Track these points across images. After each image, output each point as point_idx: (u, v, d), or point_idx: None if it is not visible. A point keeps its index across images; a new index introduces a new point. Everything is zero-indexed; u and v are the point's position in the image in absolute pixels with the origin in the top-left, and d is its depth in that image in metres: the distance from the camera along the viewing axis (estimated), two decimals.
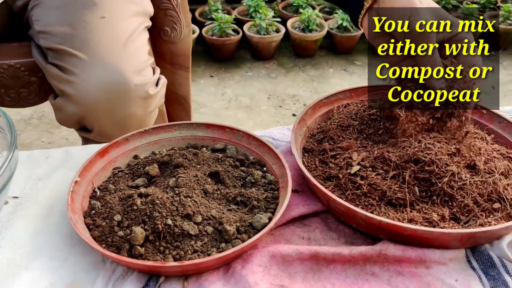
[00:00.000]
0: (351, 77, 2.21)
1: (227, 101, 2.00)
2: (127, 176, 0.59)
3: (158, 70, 0.90)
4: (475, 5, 2.40)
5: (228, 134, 0.64)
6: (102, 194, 0.55)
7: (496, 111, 0.66)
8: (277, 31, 2.26)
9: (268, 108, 1.97)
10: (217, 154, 0.61)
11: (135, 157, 0.63)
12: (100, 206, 0.53)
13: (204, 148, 0.62)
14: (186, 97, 1.22)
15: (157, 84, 0.87)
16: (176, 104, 1.22)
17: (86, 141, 1.00)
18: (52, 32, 0.87)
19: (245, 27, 2.24)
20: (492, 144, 0.60)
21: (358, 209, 0.49)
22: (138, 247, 0.48)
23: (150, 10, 0.98)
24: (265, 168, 0.60)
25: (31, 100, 1.05)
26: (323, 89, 2.10)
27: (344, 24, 2.26)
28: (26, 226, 0.53)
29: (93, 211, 0.53)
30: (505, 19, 2.40)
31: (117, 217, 0.51)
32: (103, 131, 0.84)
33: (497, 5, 2.58)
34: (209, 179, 0.56)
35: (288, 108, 1.98)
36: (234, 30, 2.23)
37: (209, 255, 0.48)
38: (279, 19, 2.28)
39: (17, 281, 0.46)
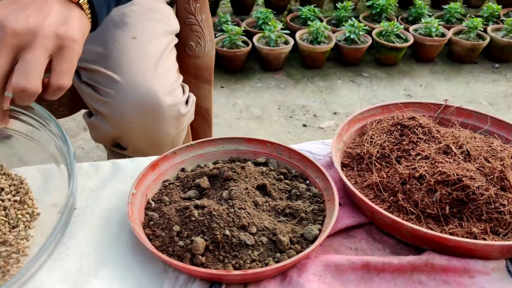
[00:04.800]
0: (359, 88, 2.25)
1: (238, 112, 2.04)
2: (178, 188, 0.62)
3: (187, 88, 0.93)
4: (479, 19, 2.45)
5: (269, 148, 0.67)
6: (158, 205, 0.58)
7: None
8: (286, 42, 2.30)
9: (279, 118, 2.01)
10: (261, 167, 0.64)
11: (182, 170, 0.66)
12: (158, 217, 0.56)
13: (249, 162, 0.65)
14: (209, 109, 1.25)
15: (186, 102, 0.90)
16: (199, 117, 1.25)
17: (113, 154, 1.02)
18: (84, 51, 0.89)
19: (255, 38, 2.28)
20: None
21: (405, 222, 0.53)
22: (200, 256, 0.51)
23: (177, 27, 1.01)
24: (308, 182, 0.63)
25: (62, 113, 1.08)
26: (332, 100, 2.14)
27: (352, 36, 2.30)
28: (87, 236, 0.56)
29: (152, 222, 0.56)
30: (508, 33, 2.45)
31: (176, 228, 0.54)
32: (138, 149, 0.87)
33: (500, 18, 2.63)
34: (257, 192, 0.60)
35: (299, 118, 2.01)
36: (243, 42, 2.27)
37: (266, 264, 0.51)
38: (288, 31, 2.32)
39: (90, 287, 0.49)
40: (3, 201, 0.54)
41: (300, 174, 0.64)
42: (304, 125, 1.96)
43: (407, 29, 2.46)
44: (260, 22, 2.37)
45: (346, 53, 2.35)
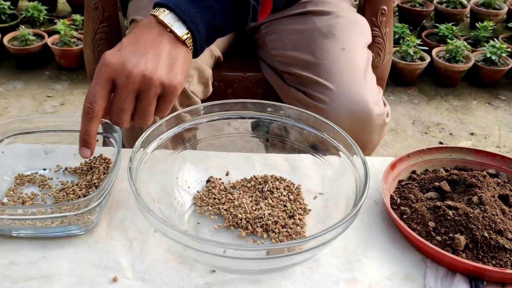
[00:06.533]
0: (496, 111, 2.18)
1: None
2: (416, 188, 0.67)
3: (385, 100, 0.98)
4: None
5: (498, 161, 0.70)
6: (404, 201, 0.64)
7: None
8: (421, 58, 2.29)
9: (414, 133, 2.01)
10: (496, 179, 0.68)
11: (413, 172, 0.71)
12: (411, 212, 0.62)
13: (484, 172, 0.69)
14: None
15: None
16: None
17: None
18: (291, 58, 0.97)
19: None
20: None
21: None
22: (460, 252, 0.56)
23: (371, 40, 1.06)
24: None
25: None
26: (468, 121, 2.10)
27: (493, 57, 2.24)
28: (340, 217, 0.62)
29: (405, 216, 0.62)
30: None
31: (431, 224, 0.59)
32: None
33: None
34: (500, 201, 0.63)
35: (434, 135, 2.00)
36: None
37: None
38: (425, 47, 2.31)
39: (364, 265, 0.56)
40: (279, 196, 0.65)
41: None
42: (441, 143, 1.95)
43: None
44: (396, 36, 2.38)
45: (484, 74, 2.29)
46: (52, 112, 2.03)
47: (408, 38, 2.29)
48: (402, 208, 0.62)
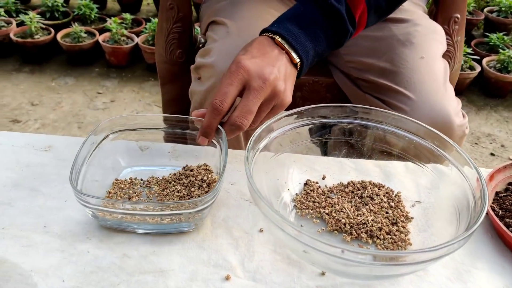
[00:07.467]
0: None
1: None
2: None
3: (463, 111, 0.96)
4: None
5: None
6: (508, 213, 0.63)
7: None
8: (471, 68, 2.25)
9: (464, 143, 1.98)
10: None
11: (510, 184, 0.70)
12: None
13: None
14: None
15: None
16: None
17: None
18: (367, 65, 0.96)
19: None
20: None
21: None
22: None
23: (445, 48, 1.05)
24: None
25: None
26: None
27: None
28: (445, 226, 0.61)
29: (511, 228, 0.61)
30: None
31: None
32: None
33: None
34: None
35: (485, 146, 1.97)
36: None
37: None
38: (477, 57, 2.28)
39: (475, 276, 0.56)
40: (379, 202, 0.65)
41: None
42: (492, 154, 1.92)
43: None
44: None
45: None
46: (103, 109, 2.07)
47: None
48: (507, 220, 0.62)
